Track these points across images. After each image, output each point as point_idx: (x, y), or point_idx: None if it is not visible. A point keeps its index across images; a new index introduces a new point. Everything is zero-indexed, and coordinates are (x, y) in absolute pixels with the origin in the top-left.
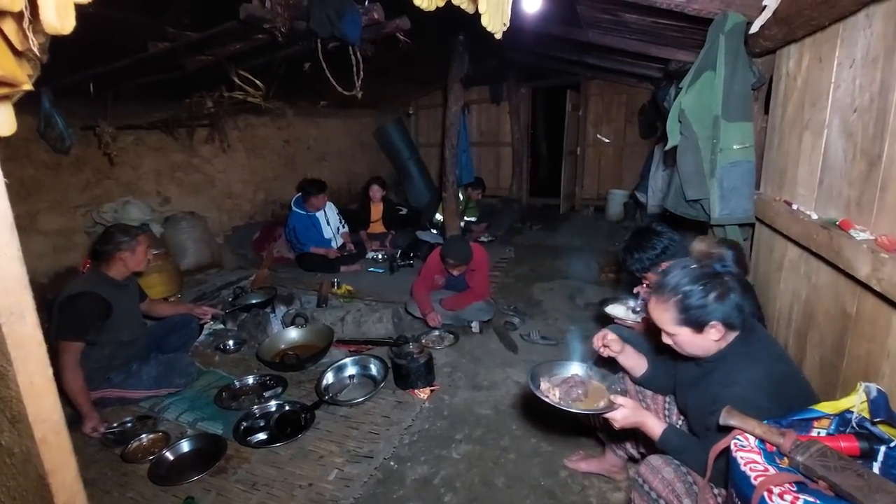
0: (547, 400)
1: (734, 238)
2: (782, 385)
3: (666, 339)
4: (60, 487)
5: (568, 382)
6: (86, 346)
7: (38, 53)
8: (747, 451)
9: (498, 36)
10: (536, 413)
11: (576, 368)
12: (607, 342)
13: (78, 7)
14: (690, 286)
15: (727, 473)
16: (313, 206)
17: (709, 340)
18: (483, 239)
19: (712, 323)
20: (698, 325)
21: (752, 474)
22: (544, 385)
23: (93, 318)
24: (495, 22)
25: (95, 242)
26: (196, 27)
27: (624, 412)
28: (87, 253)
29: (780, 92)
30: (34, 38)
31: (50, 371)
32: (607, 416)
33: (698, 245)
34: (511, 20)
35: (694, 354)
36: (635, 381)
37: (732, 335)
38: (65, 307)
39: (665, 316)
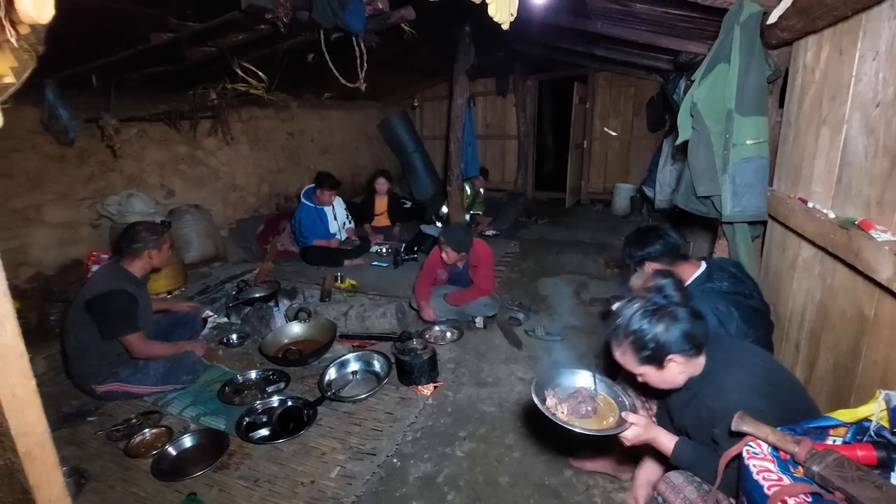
0: (554, 419)
1: (742, 235)
2: (769, 380)
3: (639, 378)
4: (46, 502)
5: (576, 398)
6: (101, 341)
7: (15, 44)
8: (760, 459)
9: (505, 26)
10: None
11: (582, 379)
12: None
13: None
14: (639, 324)
15: (739, 482)
16: (319, 200)
17: (673, 374)
18: (488, 233)
19: (669, 357)
20: (658, 361)
21: (766, 483)
22: (550, 400)
23: (133, 310)
24: (503, 12)
25: (121, 240)
26: (198, 17)
27: (636, 430)
28: (92, 245)
29: (797, 85)
30: (13, 30)
31: (33, 382)
32: (618, 434)
33: (635, 281)
34: (518, 10)
35: (667, 388)
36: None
37: (697, 361)
38: (100, 308)
39: (626, 359)
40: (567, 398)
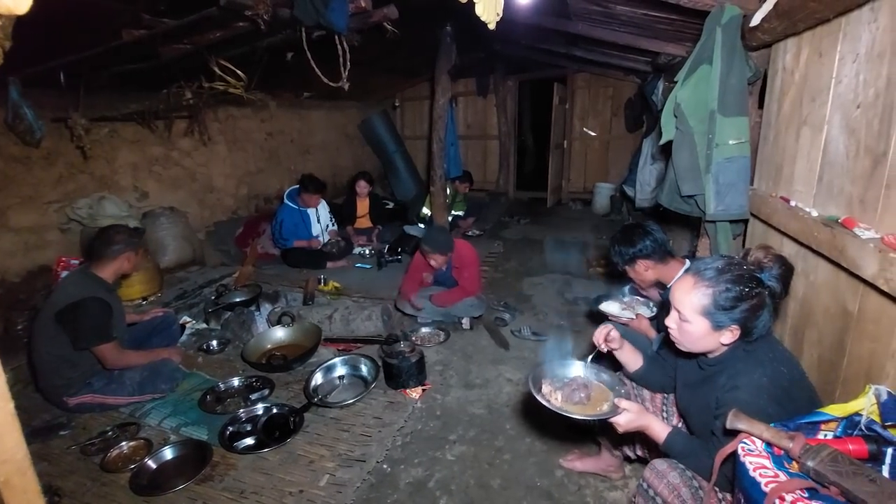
0: (549, 405)
1: (724, 234)
2: (788, 389)
3: (670, 322)
4: None
5: (570, 385)
6: (73, 352)
7: None
8: (755, 456)
9: (491, 26)
10: (530, 412)
11: (577, 369)
12: (610, 338)
13: None
14: (732, 285)
15: (734, 478)
16: (304, 202)
17: (716, 341)
18: (471, 233)
19: (732, 327)
20: (718, 324)
21: (763, 480)
22: (546, 388)
23: (107, 319)
24: (489, 11)
25: (96, 242)
26: (173, 14)
27: (628, 416)
28: (61, 251)
29: (776, 87)
30: None
31: (11, 405)
32: (611, 420)
33: (756, 253)
34: (503, 10)
35: (690, 348)
36: (629, 376)
37: (735, 344)
38: (72, 318)
39: (692, 300)
40: (562, 386)
